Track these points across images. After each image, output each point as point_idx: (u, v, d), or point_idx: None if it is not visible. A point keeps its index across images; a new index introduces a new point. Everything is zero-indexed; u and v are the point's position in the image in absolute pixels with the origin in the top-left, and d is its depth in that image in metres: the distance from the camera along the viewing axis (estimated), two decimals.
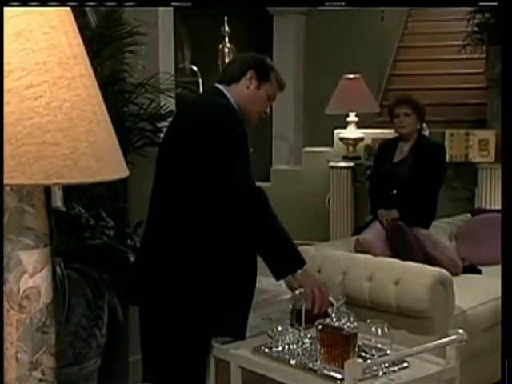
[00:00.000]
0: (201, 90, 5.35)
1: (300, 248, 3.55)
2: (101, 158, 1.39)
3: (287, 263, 2.34)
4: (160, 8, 3.74)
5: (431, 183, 4.06)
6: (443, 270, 3.19)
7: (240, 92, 2.46)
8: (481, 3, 5.51)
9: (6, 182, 1.31)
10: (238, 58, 2.66)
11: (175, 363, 2.40)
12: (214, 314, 2.36)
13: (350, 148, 6.24)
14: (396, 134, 4.25)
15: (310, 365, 2.18)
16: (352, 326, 2.11)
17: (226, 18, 5.23)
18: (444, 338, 2.26)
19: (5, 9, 1.33)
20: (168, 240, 2.40)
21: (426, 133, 5.52)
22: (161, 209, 2.46)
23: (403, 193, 4.03)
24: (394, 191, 4.07)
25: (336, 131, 6.49)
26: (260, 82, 2.48)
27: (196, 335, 2.38)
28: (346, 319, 2.12)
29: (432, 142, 4.32)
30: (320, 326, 2.14)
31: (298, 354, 2.24)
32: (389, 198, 4.07)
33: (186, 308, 2.35)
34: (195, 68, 5.92)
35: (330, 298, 2.24)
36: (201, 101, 2.69)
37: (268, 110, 2.58)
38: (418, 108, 4.12)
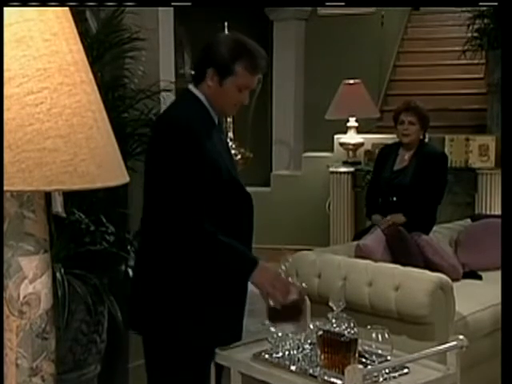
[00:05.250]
0: None
1: (300, 253, 3.60)
2: (101, 164, 1.39)
3: (237, 271, 2.32)
4: (160, 13, 3.74)
5: (432, 191, 4.06)
6: (443, 276, 3.18)
7: (206, 90, 2.35)
8: (481, 3, 5.53)
9: (6, 188, 1.31)
10: (200, 53, 2.45)
11: (176, 372, 2.40)
12: (210, 327, 2.35)
13: (350, 153, 6.25)
14: (397, 139, 4.24)
15: (311, 371, 2.17)
16: (352, 331, 2.11)
17: (226, 23, 5.25)
18: (444, 343, 2.25)
19: (5, 15, 1.33)
20: (157, 259, 2.38)
21: (426, 138, 5.53)
22: (147, 225, 2.43)
23: (403, 200, 4.03)
24: (394, 198, 4.07)
25: (336, 136, 6.49)
26: (222, 78, 2.31)
27: (195, 348, 2.37)
28: (346, 325, 2.12)
29: (433, 149, 4.30)
30: (320, 332, 2.14)
31: (299, 360, 2.23)
32: (389, 205, 4.07)
33: (182, 324, 2.34)
34: None
35: (331, 304, 2.23)
36: (162, 115, 2.61)
37: (245, 99, 2.37)
38: (424, 117, 4.11)
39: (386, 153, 4.30)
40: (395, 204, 4.05)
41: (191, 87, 2.40)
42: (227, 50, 2.32)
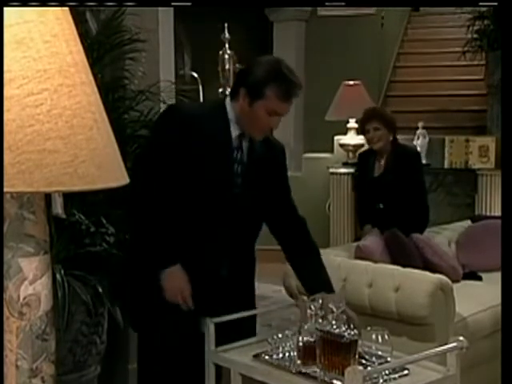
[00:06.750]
0: (201, 97, 5.36)
1: None
2: (101, 166, 1.39)
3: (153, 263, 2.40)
4: (160, 13, 3.75)
5: (416, 191, 4.06)
6: (443, 277, 3.18)
7: (237, 108, 2.38)
8: (481, 3, 5.53)
9: (6, 189, 1.30)
10: (239, 70, 2.56)
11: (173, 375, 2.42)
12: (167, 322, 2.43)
13: (350, 154, 6.25)
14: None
15: (311, 372, 2.17)
16: (352, 333, 2.11)
17: (226, 24, 5.26)
18: (444, 345, 2.25)
19: (5, 15, 1.34)
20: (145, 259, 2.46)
21: (426, 139, 5.54)
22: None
23: (390, 206, 4.04)
24: (381, 206, 4.08)
25: (336, 137, 6.49)
26: (252, 99, 2.34)
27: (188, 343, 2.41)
28: (346, 326, 2.12)
29: (405, 149, 4.28)
30: (320, 334, 2.14)
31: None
32: (377, 213, 4.07)
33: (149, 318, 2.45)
34: (195, 75, 5.94)
35: (330, 305, 2.23)
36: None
37: (274, 124, 2.41)
38: (387, 120, 4.09)
39: (365, 161, 4.29)
40: (383, 211, 4.07)
41: (227, 100, 2.44)
42: (261, 73, 2.33)
